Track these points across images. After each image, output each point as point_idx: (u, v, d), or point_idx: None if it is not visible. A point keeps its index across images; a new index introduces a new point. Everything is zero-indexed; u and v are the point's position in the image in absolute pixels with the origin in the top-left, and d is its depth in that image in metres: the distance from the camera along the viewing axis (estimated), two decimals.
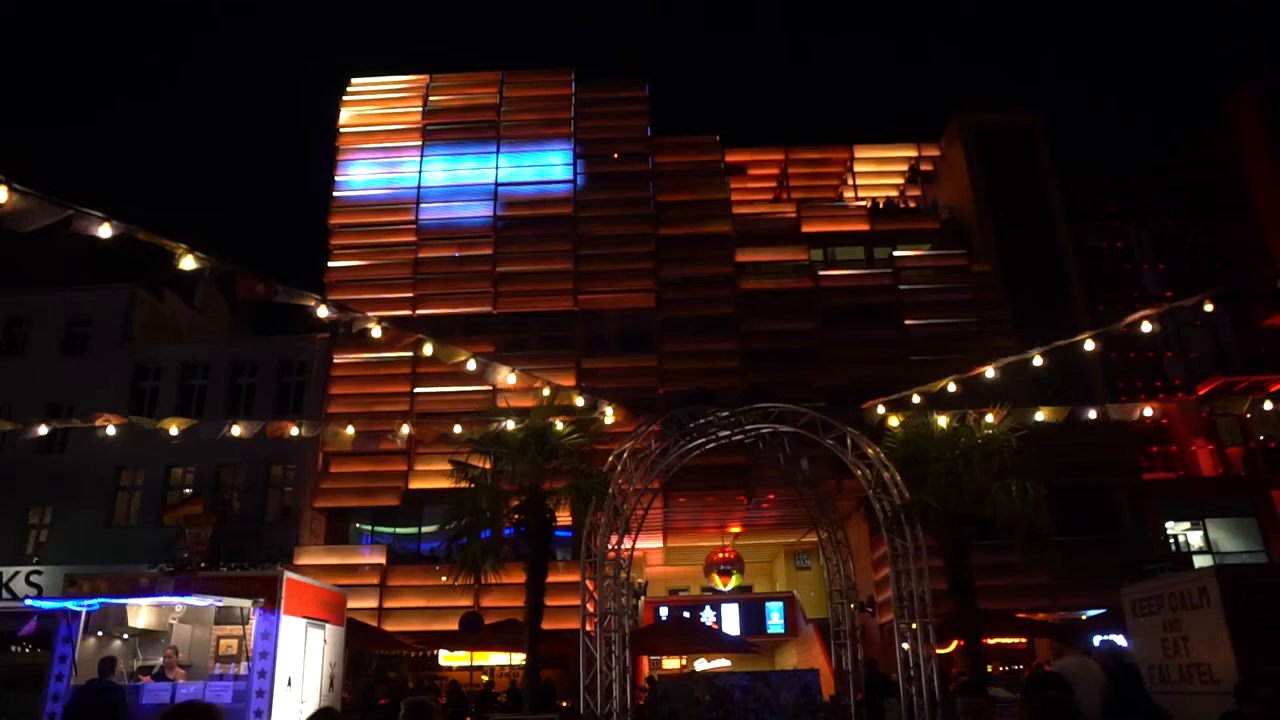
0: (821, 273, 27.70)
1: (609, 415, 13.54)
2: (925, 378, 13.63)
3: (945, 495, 13.45)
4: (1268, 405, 13.74)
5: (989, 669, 15.72)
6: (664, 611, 26.19)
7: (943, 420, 13.90)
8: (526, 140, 28.42)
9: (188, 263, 8.46)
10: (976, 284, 26.74)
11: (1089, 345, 11.70)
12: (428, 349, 11.22)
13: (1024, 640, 22.54)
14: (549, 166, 28.09)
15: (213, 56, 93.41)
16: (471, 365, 11.46)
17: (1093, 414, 14.43)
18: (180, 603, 10.99)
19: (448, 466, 14.17)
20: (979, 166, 28.31)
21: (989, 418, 13.65)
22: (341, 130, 28.62)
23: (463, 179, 27.92)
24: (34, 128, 78.37)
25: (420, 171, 28.04)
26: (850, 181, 32.24)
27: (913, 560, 14.24)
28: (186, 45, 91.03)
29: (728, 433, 15.85)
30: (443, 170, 28.03)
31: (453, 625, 20.53)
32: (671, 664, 24.44)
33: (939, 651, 14.82)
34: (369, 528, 25.41)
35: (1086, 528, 22.79)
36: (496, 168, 27.98)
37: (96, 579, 10.14)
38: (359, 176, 28.06)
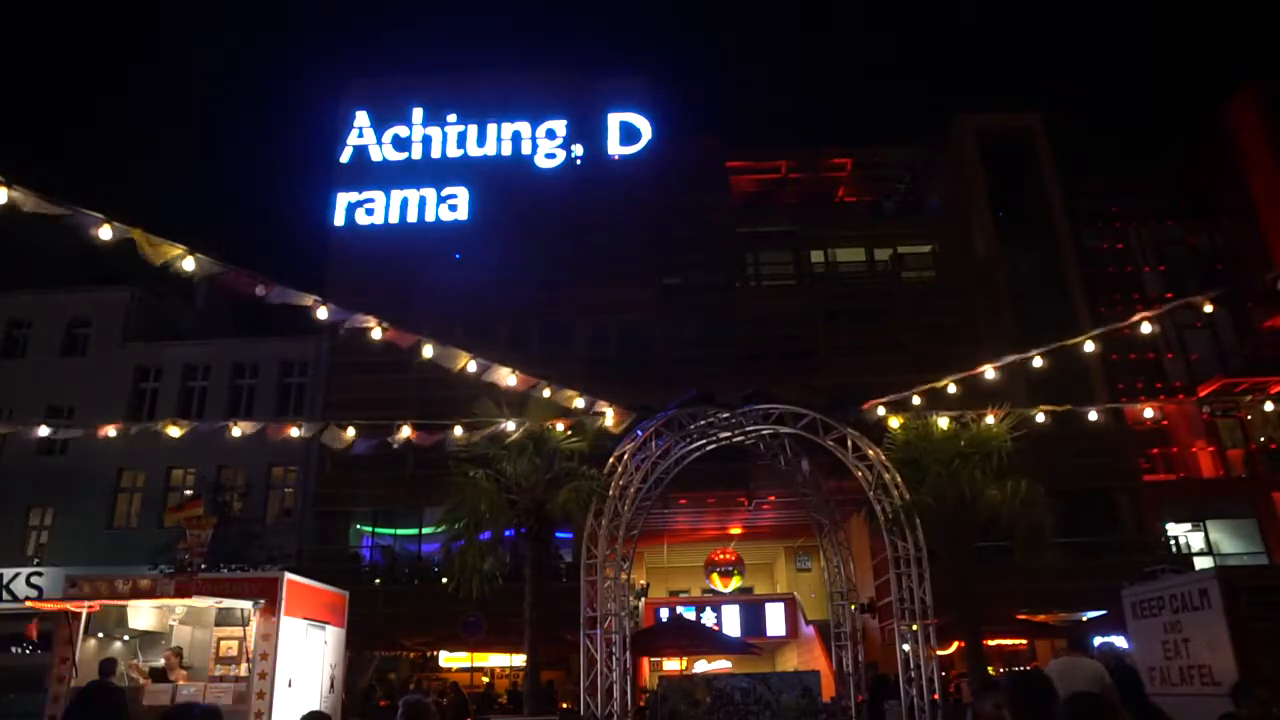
0: (822, 274, 27.69)
1: (609, 416, 13.53)
2: (925, 379, 13.63)
3: (945, 496, 13.45)
4: (1268, 406, 13.73)
5: (990, 670, 15.69)
6: (664, 613, 26.17)
7: (943, 421, 13.89)
8: (528, 141, 28.43)
9: (188, 265, 8.47)
10: (977, 285, 26.72)
11: (1089, 347, 11.69)
12: (428, 351, 11.22)
13: (1025, 642, 22.51)
14: (550, 167, 28.09)
15: (213, 61, 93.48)
16: (472, 367, 11.45)
17: (1094, 415, 14.41)
18: (181, 604, 10.99)
19: (448, 468, 14.17)
20: (980, 168, 28.30)
21: (989, 419, 13.64)
22: (342, 132, 28.66)
23: (463, 180, 27.93)
24: (30, 132, 78.45)
25: (421, 173, 28.06)
26: (851, 183, 32.23)
27: (913, 561, 14.23)
28: (186, 52, 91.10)
29: (728, 434, 15.85)
30: (443, 171, 28.05)
31: (453, 627, 20.52)
32: (672, 665, 24.41)
33: (940, 653, 14.80)
34: (369, 529, 25.40)
35: (1087, 529, 22.79)
36: (498, 169, 27.99)
37: (97, 580, 10.13)
38: (359, 178, 28.08)
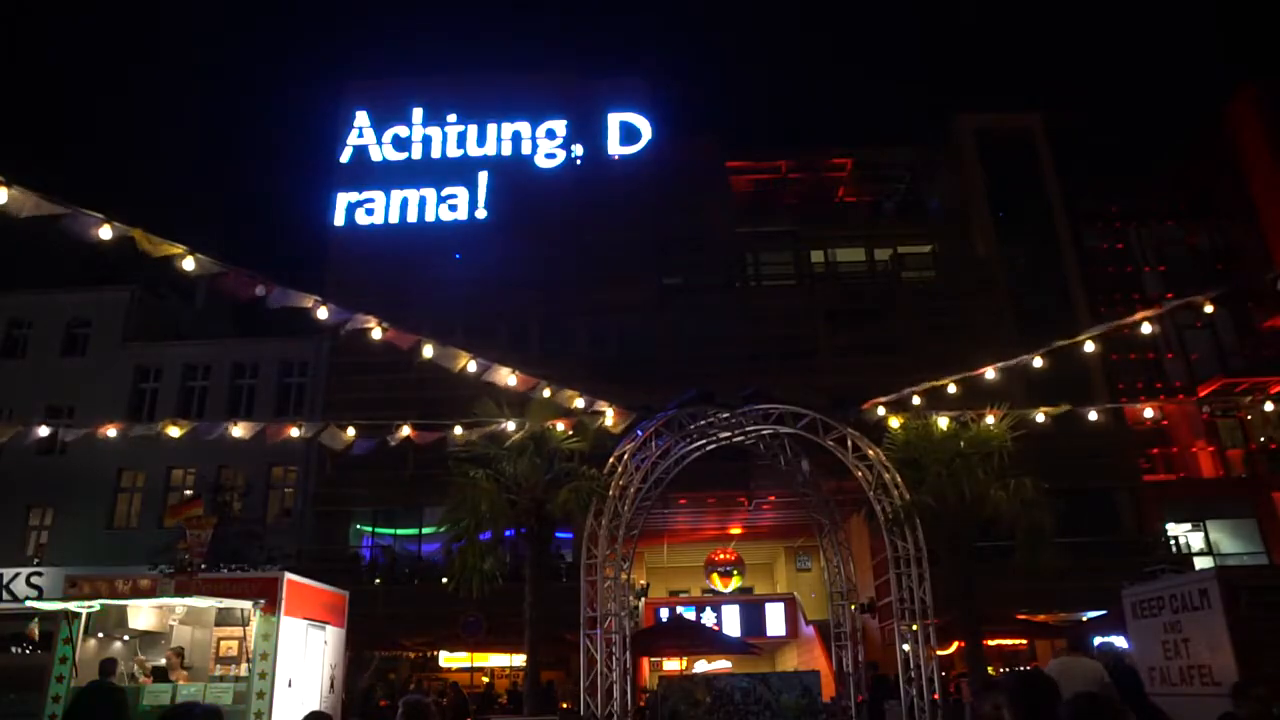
0: (822, 274, 27.70)
1: (609, 416, 13.53)
2: (925, 379, 13.63)
3: (945, 496, 13.46)
4: (1268, 406, 13.73)
5: (990, 670, 15.69)
6: (664, 613, 26.18)
7: (943, 421, 13.90)
8: (528, 141, 28.45)
9: (188, 264, 8.48)
10: (977, 286, 26.71)
11: (1089, 346, 11.69)
12: (428, 351, 11.22)
13: (1024, 642, 22.52)
14: (550, 167, 28.11)
15: (213, 61, 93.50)
16: (472, 367, 11.46)
17: (1094, 415, 14.43)
18: (181, 604, 11.00)
19: (448, 468, 14.17)
20: (980, 168, 28.31)
21: (989, 419, 13.65)
22: (342, 132, 28.69)
23: (463, 180, 27.94)
24: (30, 134, 78.46)
25: (421, 173, 28.08)
26: (851, 183, 32.23)
27: (913, 561, 14.23)
28: (187, 52, 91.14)
29: (728, 434, 15.85)
30: (443, 171, 28.07)
31: (453, 627, 20.53)
32: (672, 665, 24.42)
33: (939, 653, 14.80)
34: (369, 529, 25.40)
35: (1087, 529, 22.78)
36: (498, 169, 28.02)
37: (97, 580, 10.14)
38: (359, 178, 28.09)
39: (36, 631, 13.15)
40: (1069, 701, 3.10)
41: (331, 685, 12.17)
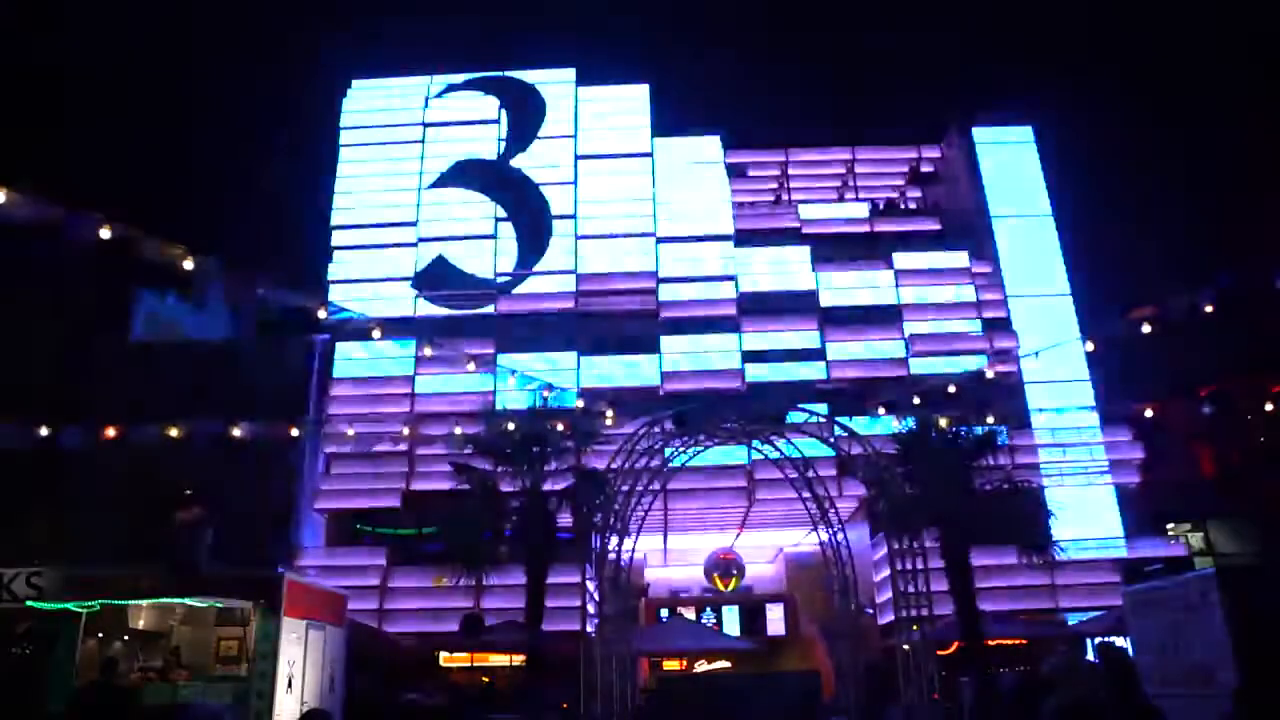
0: (822, 273, 27.67)
1: (609, 417, 13.56)
2: (925, 379, 13.66)
3: (945, 495, 13.47)
4: (1268, 406, 13.76)
5: (989, 669, 15.70)
6: (664, 613, 26.17)
7: (943, 420, 13.92)
8: (527, 139, 28.48)
9: (188, 265, 8.49)
10: (977, 285, 26.66)
11: (1089, 346, 11.71)
12: (428, 350, 11.25)
13: (1024, 641, 22.51)
14: (550, 165, 28.11)
15: (211, 59, 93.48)
16: (471, 367, 11.48)
17: (1093, 414, 14.45)
18: (181, 604, 11.01)
19: (449, 468, 14.19)
20: (980, 167, 28.29)
21: (989, 418, 13.68)
22: (343, 129, 28.72)
23: (462, 177, 27.96)
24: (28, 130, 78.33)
25: (420, 171, 28.09)
26: (851, 182, 32.23)
27: (913, 561, 14.24)
28: (185, 46, 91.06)
29: (729, 434, 15.88)
30: (442, 168, 28.10)
31: (454, 627, 20.52)
32: (672, 665, 24.42)
33: (939, 652, 14.82)
34: (370, 529, 25.35)
35: (1087, 528, 22.75)
36: (497, 165, 28.03)
37: (97, 580, 10.15)
38: (360, 176, 28.09)
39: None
40: (1057, 710, 3.10)
41: (331, 685, 12.18)
